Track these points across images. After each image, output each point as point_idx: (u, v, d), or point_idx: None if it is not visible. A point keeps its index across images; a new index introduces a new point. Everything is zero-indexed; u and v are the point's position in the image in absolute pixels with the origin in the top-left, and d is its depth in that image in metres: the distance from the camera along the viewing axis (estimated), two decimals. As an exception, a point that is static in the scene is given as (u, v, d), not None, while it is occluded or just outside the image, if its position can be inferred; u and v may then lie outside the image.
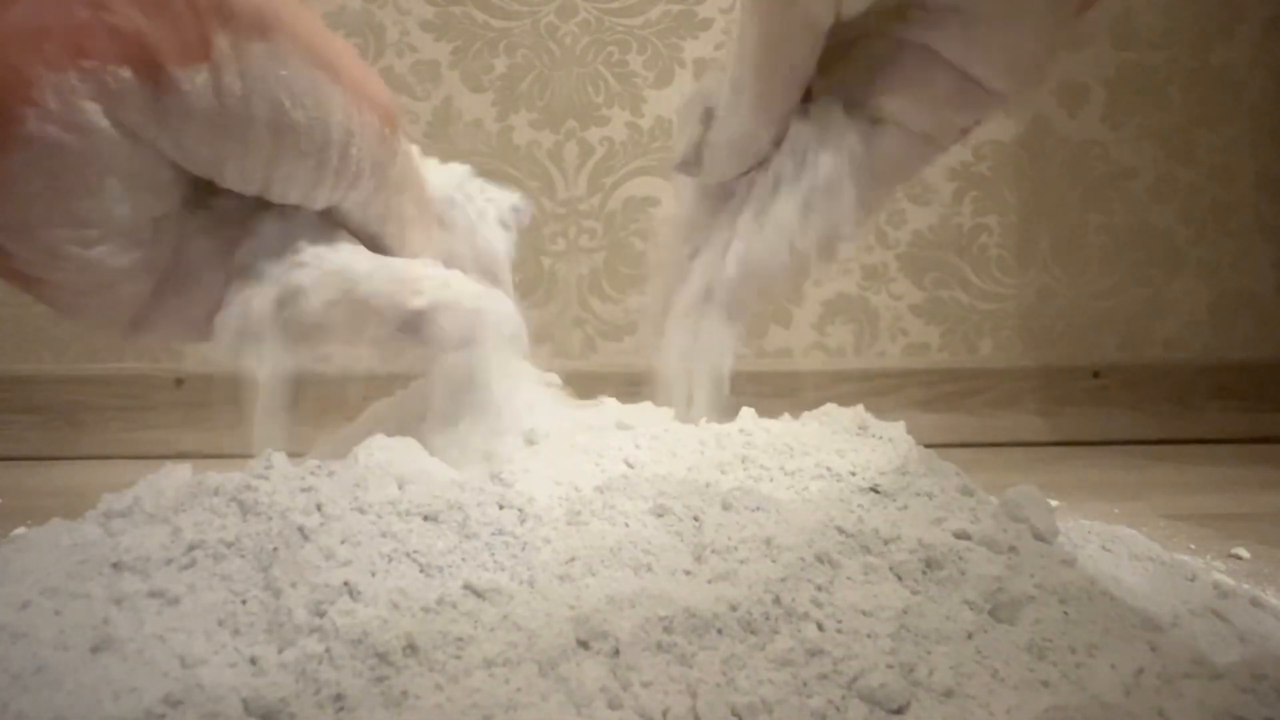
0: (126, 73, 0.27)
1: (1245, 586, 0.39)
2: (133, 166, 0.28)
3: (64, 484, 0.64)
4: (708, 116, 0.37)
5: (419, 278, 0.33)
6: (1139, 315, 0.81)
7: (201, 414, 0.75)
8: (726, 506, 0.31)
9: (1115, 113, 0.80)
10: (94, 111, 0.27)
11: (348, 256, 0.33)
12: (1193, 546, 0.47)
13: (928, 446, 0.37)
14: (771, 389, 0.76)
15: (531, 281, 0.77)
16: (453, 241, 0.37)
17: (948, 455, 0.36)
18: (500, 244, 0.39)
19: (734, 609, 0.26)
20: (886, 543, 0.30)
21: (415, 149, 0.36)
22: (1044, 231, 0.80)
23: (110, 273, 0.30)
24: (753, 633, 0.25)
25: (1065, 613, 0.29)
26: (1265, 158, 0.81)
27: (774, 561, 0.28)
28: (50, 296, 0.30)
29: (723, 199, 0.39)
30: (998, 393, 0.79)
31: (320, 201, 0.32)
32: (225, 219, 0.33)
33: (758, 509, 0.31)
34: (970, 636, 0.27)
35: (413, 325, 0.33)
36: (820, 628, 0.26)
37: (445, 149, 0.77)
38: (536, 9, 0.76)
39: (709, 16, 0.77)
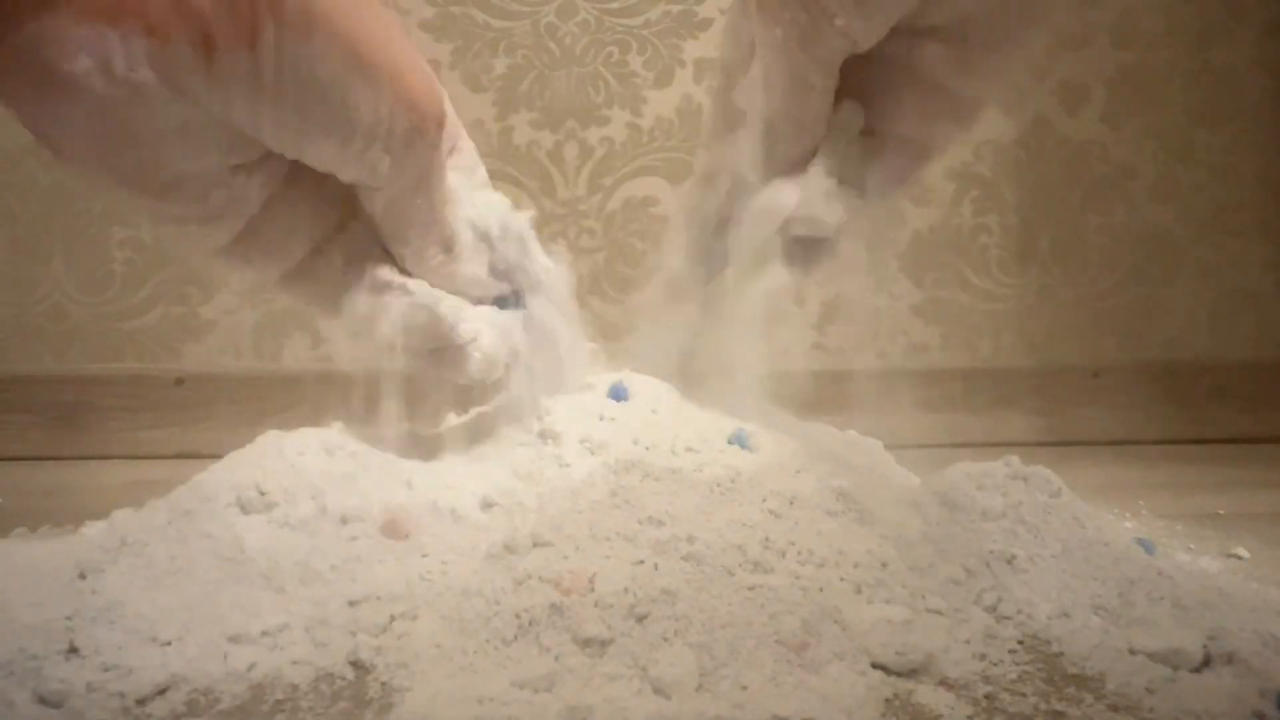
0: (185, 48, 0.29)
1: (1245, 586, 0.39)
2: (186, 121, 0.31)
3: (64, 484, 0.64)
4: (731, 188, 0.40)
5: (461, 313, 0.39)
6: (1139, 315, 0.81)
7: (201, 414, 0.74)
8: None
9: (1115, 113, 0.80)
10: (148, 75, 0.29)
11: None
12: (1192, 546, 0.47)
13: (928, 447, 0.37)
14: (771, 389, 0.76)
15: (531, 281, 0.77)
16: (477, 269, 0.40)
17: (948, 455, 0.36)
18: (557, 272, 0.43)
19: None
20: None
21: (483, 172, 0.40)
22: (1044, 231, 0.80)
23: (182, 211, 0.34)
24: None
25: (1065, 614, 0.29)
26: (1265, 158, 0.81)
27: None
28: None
29: None
30: (998, 393, 0.79)
31: (347, 177, 0.35)
32: (310, 195, 0.37)
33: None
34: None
35: (444, 355, 0.39)
36: None
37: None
38: (536, 9, 0.76)
39: (709, 16, 0.77)
